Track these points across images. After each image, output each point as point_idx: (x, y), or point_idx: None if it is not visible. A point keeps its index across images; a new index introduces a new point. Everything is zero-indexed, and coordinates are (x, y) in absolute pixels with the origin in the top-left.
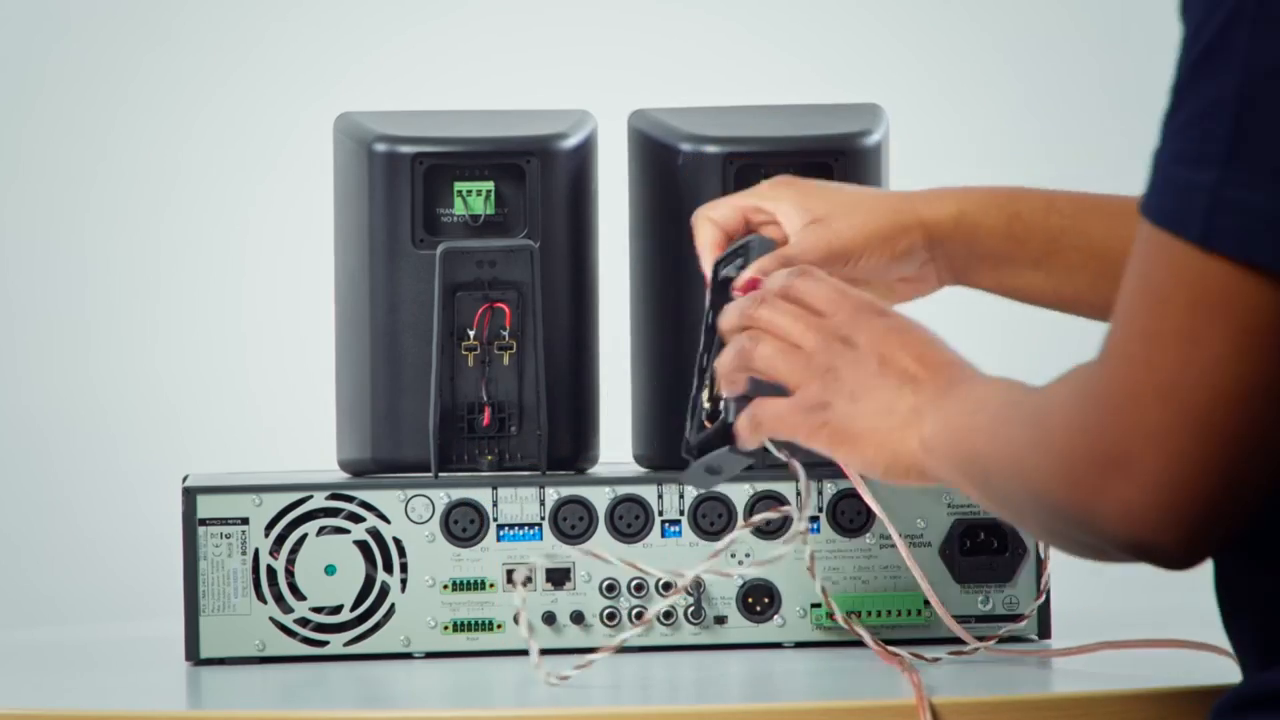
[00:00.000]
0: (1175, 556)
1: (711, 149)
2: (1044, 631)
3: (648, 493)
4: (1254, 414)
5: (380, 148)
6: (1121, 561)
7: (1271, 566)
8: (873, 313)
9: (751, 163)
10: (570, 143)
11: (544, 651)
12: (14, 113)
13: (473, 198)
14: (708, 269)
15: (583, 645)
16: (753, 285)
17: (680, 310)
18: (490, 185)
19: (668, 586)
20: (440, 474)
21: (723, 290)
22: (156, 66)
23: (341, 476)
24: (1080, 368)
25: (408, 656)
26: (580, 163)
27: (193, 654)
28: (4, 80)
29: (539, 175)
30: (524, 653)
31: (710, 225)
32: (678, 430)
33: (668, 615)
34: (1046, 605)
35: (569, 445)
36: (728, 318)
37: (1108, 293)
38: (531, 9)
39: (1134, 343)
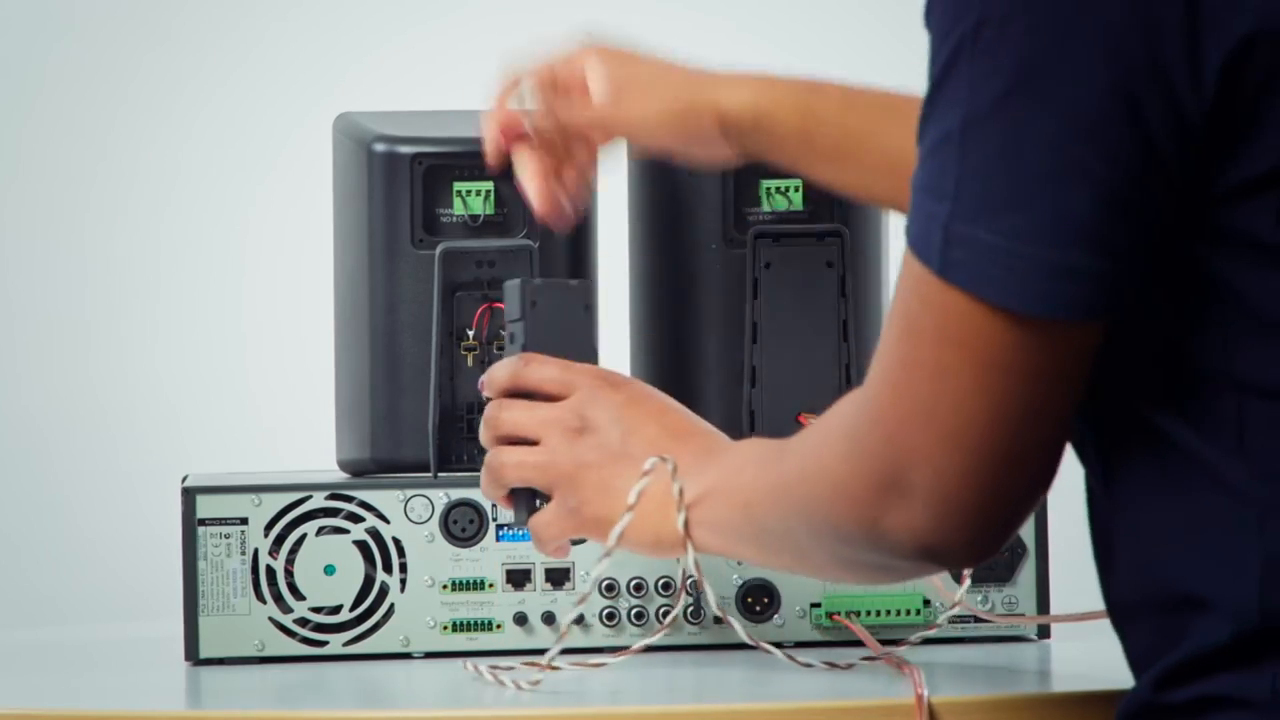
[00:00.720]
0: (959, 558)
1: (685, 155)
2: (1043, 630)
3: None
4: (1005, 436)
5: (379, 148)
6: (909, 575)
7: (1139, 584)
8: (606, 386)
9: (751, 162)
10: None
11: (545, 651)
12: (14, 113)
13: (472, 198)
14: (497, 112)
15: (583, 645)
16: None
17: (680, 310)
18: (489, 185)
19: (667, 586)
20: (439, 474)
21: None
22: (156, 66)
23: (341, 476)
24: (851, 394)
25: (407, 656)
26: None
27: (192, 654)
28: (4, 80)
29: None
30: (524, 653)
31: (512, 75)
32: None
33: (666, 614)
34: (1046, 603)
35: None
36: (482, 434)
37: (904, 194)
38: (532, 8)
39: (895, 369)
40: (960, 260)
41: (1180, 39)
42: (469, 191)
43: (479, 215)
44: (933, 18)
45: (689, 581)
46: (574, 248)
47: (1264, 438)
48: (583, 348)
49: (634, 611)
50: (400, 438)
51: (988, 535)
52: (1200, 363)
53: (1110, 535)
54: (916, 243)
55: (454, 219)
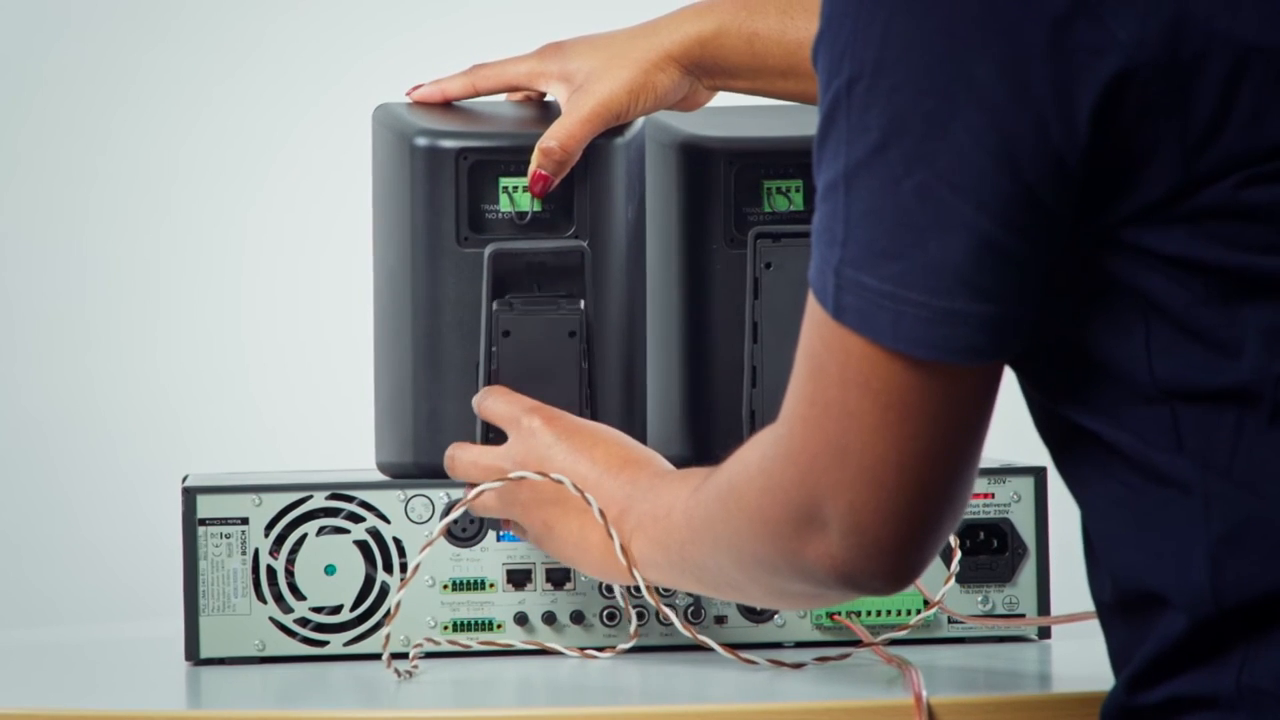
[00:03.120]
0: (880, 585)
1: (711, 149)
2: (1043, 630)
3: None
4: (914, 472)
5: (422, 141)
6: (837, 601)
7: (1116, 593)
8: (543, 425)
9: (752, 163)
10: (619, 137)
11: (544, 651)
12: (14, 112)
13: (519, 194)
14: (436, 90)
15: (583, 644)
16: None
17: (682, 310)
18: None
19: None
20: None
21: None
22: (156, 66)
23: (341, 477)
24: (766, 430)
25: (408, 656)
26: (630, 157)
27: (193, 654)
28: (4, 80)
29: (587, 171)
30: (524, 653)
31: (469, 87)
32: (697, 431)
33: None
34: (1046, 604)
35: None
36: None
37: None
38: (537, 6)
39: (804, 406)
40: (851, 305)
41: (1048, 86)
42: (516, 188)
43: (526, 212)
44: (817, 63)
45: None
46: (625, 245)
47: (1199, 439)
48: (563, 376)
49: (634, 611)
50: (443, 442)
51: (906, 563)
52: (1128, 374)
53: (1087, 535)
54: (814, 285)
55: (500, 216)
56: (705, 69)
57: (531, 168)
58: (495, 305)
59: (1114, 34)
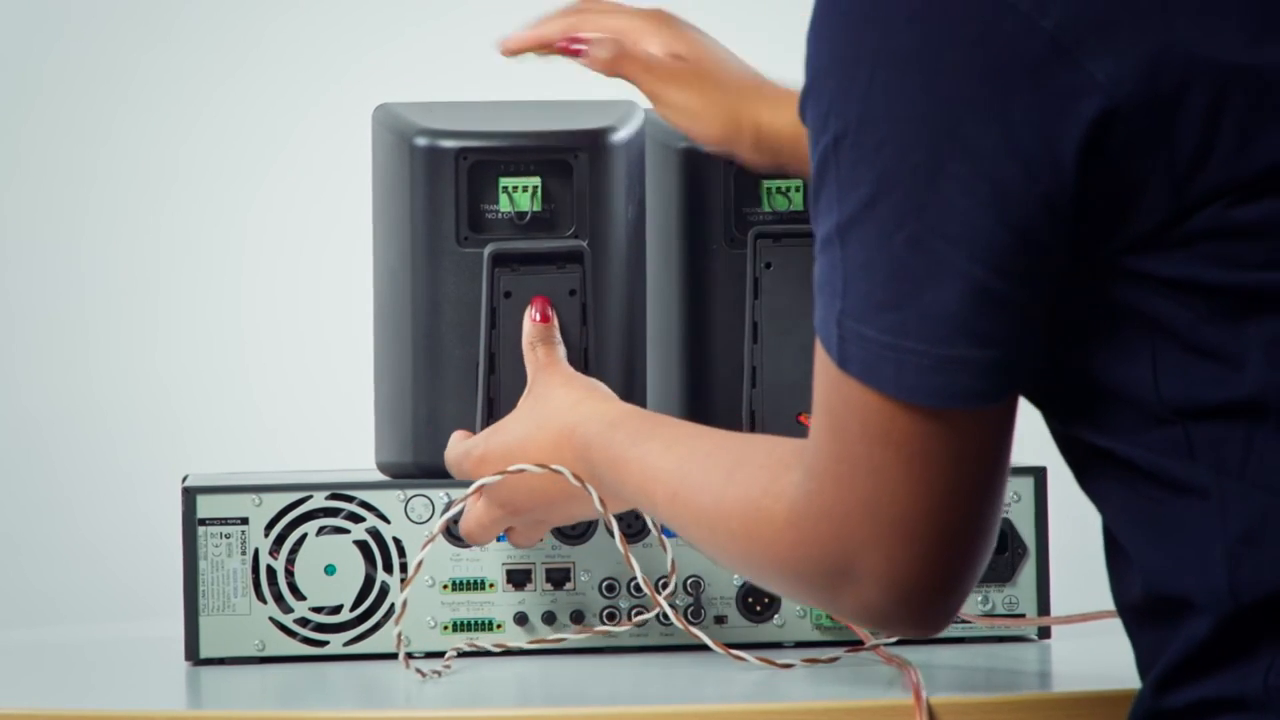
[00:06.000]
0: (918, 630)
1: (711, 148)
2: (1043, 630)
3: None
4: (945, 518)
5: (421, 141)
6: None
7: (1140, 604)
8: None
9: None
10: (620, 136)
11: (544, 651)
12: (14, 113)
13: (519, 194)
14: (531, 36)
15: (584, 645)
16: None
17: (683, 310)
18: (537, 181)
19: (666, 586)
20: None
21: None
22: (156, 66)
23: (341, 477)
24: (790, 479)
25: (407, 656)
26: (630, 157)
27: (193, 654)
28: (4, 80)
29: (588, 171)
30: (523, 653)
31: (570, 28)
32: None
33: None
34: (1046, 604)
35: None
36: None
37: None
38: (537, 7)
39: (832, 464)
40: (855, 355)
41: (1032, 132)
42: (515, 188)
43: (526, 212)
44: (805, 119)
45: (688, 581)
46: (625, 245)
47: (1212, 451)
48: (564, 335)
49: (634, 610)
50: (443, 442)
51: (941, 607)
52: (1137, 397)
53: (1111, 541)
54: (820, 334)
55: (500, 216)
56: (783, 154)
57: (555, 23)
58: (495, 268)
59: (1092, 75)
